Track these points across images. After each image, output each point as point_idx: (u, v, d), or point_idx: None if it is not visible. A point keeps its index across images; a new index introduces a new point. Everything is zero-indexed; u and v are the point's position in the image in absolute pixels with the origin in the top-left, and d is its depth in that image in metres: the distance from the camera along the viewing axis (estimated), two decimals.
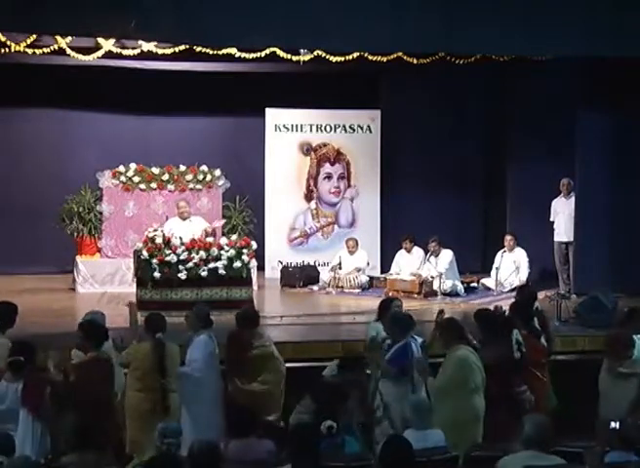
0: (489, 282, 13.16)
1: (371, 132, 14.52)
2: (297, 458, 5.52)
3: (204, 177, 13.43)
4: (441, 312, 8.41)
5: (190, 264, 10.96)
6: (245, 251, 11.18)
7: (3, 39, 11.54)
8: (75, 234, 13.57)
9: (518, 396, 7.58)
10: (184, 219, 12.31)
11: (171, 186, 13.32)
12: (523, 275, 13.04)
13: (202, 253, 11.01)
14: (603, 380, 8.08)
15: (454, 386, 7.35)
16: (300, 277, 13.56)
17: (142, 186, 13.26)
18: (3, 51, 11.82)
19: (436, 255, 12.90)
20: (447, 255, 12.90)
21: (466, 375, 7.36)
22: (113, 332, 7.94)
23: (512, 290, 12.97)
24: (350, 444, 6.59)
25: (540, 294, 12.40)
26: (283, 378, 8.19)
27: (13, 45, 11.70)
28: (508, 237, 13.22)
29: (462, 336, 7.65)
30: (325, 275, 13.51)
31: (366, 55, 12.63)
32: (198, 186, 13.39)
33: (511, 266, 13.11)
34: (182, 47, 11.92)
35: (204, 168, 13.47)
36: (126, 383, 7.66)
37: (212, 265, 11.00)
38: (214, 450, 5.57)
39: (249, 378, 8.01)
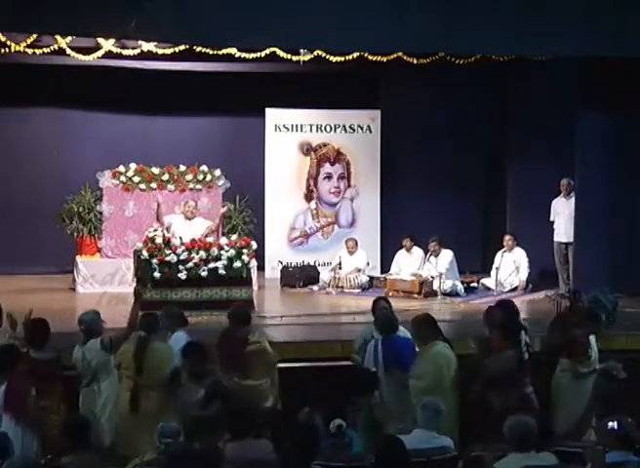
0: (489, 282, 13.16)
1: (371, 132, 14.52)
2: (294, 457, 5.55)
3: (204, 177, 13.43)
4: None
5: (190, 264, 10.97)
6: (245, 251, 11.19)
7: (3, 39, 11.54)
8: (75, 234, 13.57)
9: (527, 397, 7.56)
10: (187, 219, 12.31)
11: (171, 186, 13.32)
12: (523, 275, 13.07)
13: (202, 253, 11.01)
14: (560, 380, 8.04)
15: (434, 382, 7.39)
16: (300, 277, 13.56)
17: (142, 186, 13.26)
18: (3, 51, 11.82)
19: (436, 255, 12.90)
20: (447, 256, 12.91)
21: (444, 371, 7.43)
22: (105, 333, 7.86)
23: (512, 289, 13.03)
24: (357, 443, 6.59)
25: (540, 294, 12.48)
26: (275, 370, 8.14)
27: (13, 45, 11.70)
28: (507, 237, 13.25)
29: (438, 332, 7.71)
30: (325, 275, 13.52)
31: (366, 55, 12.63)
32: (198, 186, 13.39)
33: (511, 266, 13.13)
34: (182, 47, 11.92)
35: (204, 168, 13.47)
36: (121, 384, 7.61)
37: (212, 265, 11.01)
38: (212, 451, 5.59)
39: (245, 374, 7.95)
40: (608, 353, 8.14)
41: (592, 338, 8.13)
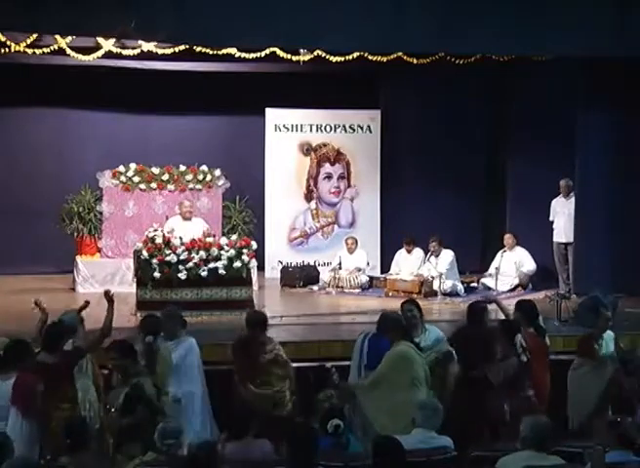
0: (489, 281, 13.16)
1: (371, 132, 14.52)
2: (294, 458, 5.56)
3: (204, 177, 13.43)
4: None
5: (190, 264, 10.96)
6: (245, 251, 11.18)
7: (3, 39, 11.52)
8: (75, 234, 13.57)
9: (529, 400, 7.54)
10: (186, 219, 12.34)
11: (171, 186, 13.33)
12: (531, 267, 13.16)
13: (202, 253, 11.00)
14: (572, 378, 8.09)
15: (386, 380, 7.33)
16: (299, 277, 13.56)
17: (142, 186, 13.27)
18: (3, 51, 11.81)
19: (437, 255, 12.90)
20: (448, 256, 12.90)
21: (403, 370, 7.34)
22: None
23: (512, 289, 13.04)
24: (355, 443, 6.58)
25: (540, 294, 12.47)
26: (292, 380, 8.12)
27: (13, 45, 11.68)
28: (507, 235, 13.34)
29: (406, 334, 7.63)
30: (325, 275, 13.52)
31: (366, 55, 12.62)
32: (198, 186, 13.39)
33: (511, 266, 13.17)
34: (182, 47, 11.91)
35: (204, 168, 13.48)
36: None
37: (212, 265, 11.00)
38: (212, 451, 5.60)
39: (263, 382, 7.93)
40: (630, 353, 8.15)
41: (609, 337, 8.13)
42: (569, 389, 8.12)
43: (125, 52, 12.18)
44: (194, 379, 7.98)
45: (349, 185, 14.60)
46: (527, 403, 7.42)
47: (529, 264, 13.20)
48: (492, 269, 13.23)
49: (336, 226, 14.60)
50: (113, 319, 7.92)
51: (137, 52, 12.19)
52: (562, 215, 12.82)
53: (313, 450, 5.71)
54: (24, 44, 11.71)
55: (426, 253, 12.98)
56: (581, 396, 7.90)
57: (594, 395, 7.72)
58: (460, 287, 12.89)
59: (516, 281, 13.10)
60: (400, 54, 12.63)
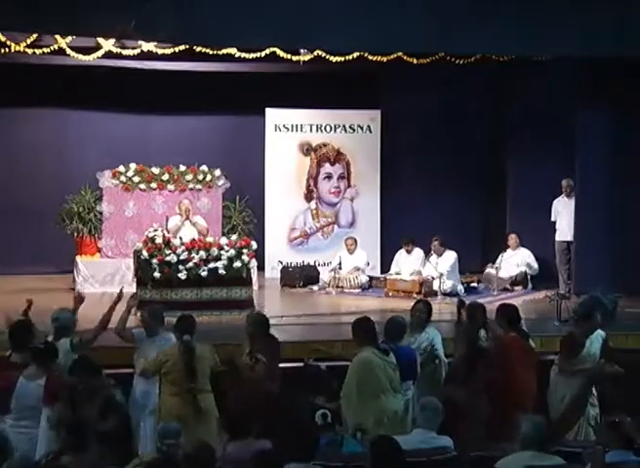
0: (491, 272, 13.15)
1: (371, 132, 14.52)
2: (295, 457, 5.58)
3: (204, 177, 13.44)
4: (462, 303, 8.49)
5: (190, 264, 10.96)
6: (245, 251, 11.19)
7: (3, 39, 11.54)
8: (75, 234, 13.57)
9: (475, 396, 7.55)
10: (185, 219, 12.35)
11: (171, 186, 13.33)
12: (534, 267, 13.24)
13: (202, 253, 11.01)
14: (551, 377, 8.09)
15: (356, 389, 7.27)
16: (299, 277, 13.56)
17: (142, 186, 13.27)
18: (3, 51, 11.82)
19: (439, 255, 12.90)
20: (450, 257, 12.88)
21: (367, 378, 7.27)
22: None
23: (512, 289, 13.06)
24: (349, 442, 6.58)
25: (540, 294, 12.50)
26: None
27: (13, 45, 11.70)
28: (512, 235, 13.40)
29: (372, 337, 7.49)
30: (325, 275, 13.52)
31: (366, 55, 12.63)
32: (198, 186, 13.40)
33: (513, 267, 13.21)
34: (182, 47, 11.93)
35: (204, 168, 13.48)
36: (160, 388, 7.53)
37: (212, 265, 11.00)
38: (210, 451, 5.60)
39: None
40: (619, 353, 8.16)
41: (596, 336, 8.11)
42: (550, 389, 8.11)
43: (125, 52, 12.19)
44: None
45: (349, 185, 14.60)
46: (474, 398, 7.43)
47: (532, 264, 13.25)
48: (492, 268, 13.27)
49: (336, 226, 14.60)
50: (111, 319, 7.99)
51: (137, 52, 12.20)
52: (565, 215, 12.82)
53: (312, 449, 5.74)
54: (24, 44, 11.72)
55: (427, 253, 12.99)
56: (556, 394, 7.91)
57: (566, 393, 7.73)
58: (460, 287, 12.88)
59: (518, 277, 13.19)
60: (400, 54, 12.64)
